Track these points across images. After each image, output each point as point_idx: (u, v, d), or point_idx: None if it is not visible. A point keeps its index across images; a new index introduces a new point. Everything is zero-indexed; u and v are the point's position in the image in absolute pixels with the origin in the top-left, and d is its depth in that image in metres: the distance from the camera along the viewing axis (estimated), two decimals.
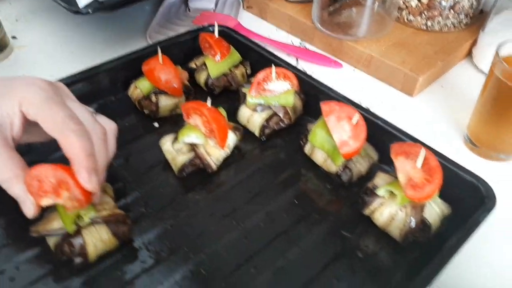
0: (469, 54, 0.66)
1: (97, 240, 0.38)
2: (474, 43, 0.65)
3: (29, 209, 0.36)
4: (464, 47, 0.64)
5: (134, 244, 0.41)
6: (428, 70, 0.59)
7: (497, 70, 0.45)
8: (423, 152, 0.40)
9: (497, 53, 0.45)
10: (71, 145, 0.35)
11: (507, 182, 0.50)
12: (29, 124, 0.37)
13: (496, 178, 0.48)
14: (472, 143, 0.52)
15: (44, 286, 0.37)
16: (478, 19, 0.66)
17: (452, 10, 0.63)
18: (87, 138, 0.36)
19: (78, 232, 0.38)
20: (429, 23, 0.65)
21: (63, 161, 0.36)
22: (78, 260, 0.38)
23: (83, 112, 0.39)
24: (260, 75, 0.51)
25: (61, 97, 0.39)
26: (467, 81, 0.63)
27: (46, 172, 0.35)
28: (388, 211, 0.41)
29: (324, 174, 0.49)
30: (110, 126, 0.42)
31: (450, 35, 0.65)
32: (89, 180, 0.35)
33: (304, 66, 0.66)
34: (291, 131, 0.53)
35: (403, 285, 0.38)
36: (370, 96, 0.60)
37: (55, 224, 0.38)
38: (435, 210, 0.41)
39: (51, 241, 0.38)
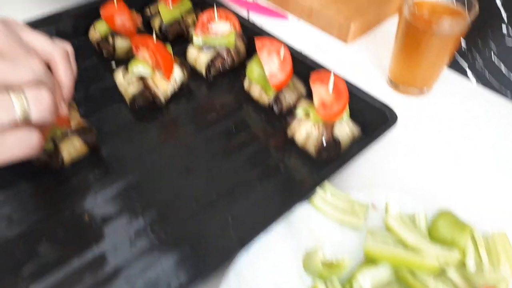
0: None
1: (70, 148, 0.46)
2: None
3: None
4: (395, 0, 0.71)
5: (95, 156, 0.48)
6: (360, 17, 0.65)
7: (405, 11, 0.52)
8: (332, 77, 0.47)
9: None
10: (65, 71, 0.39)
11: (418, 111, 0.57)
12: None
13: (411, 110, 0.56)
14: (392, 83, 0.60)
15: (26, 185, 0.45)
16: None
17: None
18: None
19: (54, 145, 0.45)
20: None
21: None
22: (56, 165, 0.45)
23: (41, 39, 0.40)
24: (204, 16, 0.57)
25: (17, 33, 0.40)
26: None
27: None
28: (305, 129, 0.48)
29: (260, 107, 0.56)
30: (68, 47, 0.44)
31: None
32: (60, 110, 0.39)
33: (254, 18, 0.72)
34: (235, 73, 0.60)
35: (310, 184, 0.46)
36: (310, 44, 0.67)
37: None
38: (345, 129, 0.49)
39: None
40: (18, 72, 0.32)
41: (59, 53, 0.40)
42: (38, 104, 0.32)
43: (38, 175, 0.46)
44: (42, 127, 0.35)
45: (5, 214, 0.42)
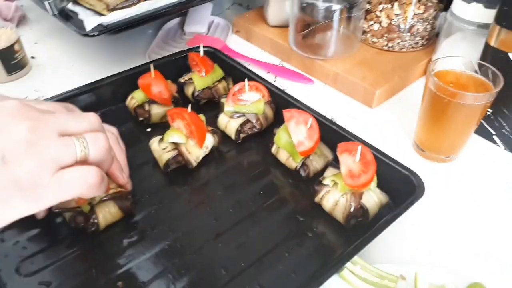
0: (425, 72, 0.75)
1: (106, 213, 0.48)
2: (429, 62, 0.74)
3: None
4: (420, 65, 0.73)
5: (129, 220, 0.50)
6: (385, 84, 0.68)
7: (430, 82, 0.54)
8: (359, 148, 0.48)
9: (429, 67, 0.54)
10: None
11: (445, 178, 0.58)
12: None
13: (438, 176, 0.56)
14: (419, 148, 0.61)
15: (65, 250, 0.47)
16: (435, 41, 0.75)
17: (409, 33, 0.73)
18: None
19: (91, 208, 0.48)
20: (390, 44, 0.74)
21: None
22: (91, 229, 0.48)
23: (96, 123, 0.44)
24: (235, 87, 0.61)
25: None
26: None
27: None
28: (333, 197, 0.49)
29: (287, 170, 0.57)
30: (114, 130, 0.53)
31: (408, 55, 0.74)
32: (121, 177, 0.47)
33: (281, 82, 0.76)
34: (263, 136, 0.62)
35: (339, 257, 0.46)
36: (335, 108, 0.69)
37: (73, 203, 0.47)
38: (372, 198, 0.49)
39: (67, 215, 0.48)
40: (78, 122, 0.36)
41: (110, 136, 0.48)
42: (96, 145, 0.36)
43: (76, 238, 0.48)
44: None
45: (44, 280, 0.44)
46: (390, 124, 0.67)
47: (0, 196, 0.31)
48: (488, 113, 0.60)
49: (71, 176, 0.34)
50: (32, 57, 0.82)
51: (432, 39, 0.76)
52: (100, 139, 0.36)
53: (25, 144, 0.31)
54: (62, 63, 0.81)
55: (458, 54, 0.58)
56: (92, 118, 0.38)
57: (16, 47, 0.75)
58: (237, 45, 0.85)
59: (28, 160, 0.31)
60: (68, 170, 0.34)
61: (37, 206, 0.33)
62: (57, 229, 0.49)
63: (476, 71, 0.55)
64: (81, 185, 0.35)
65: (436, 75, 0.54)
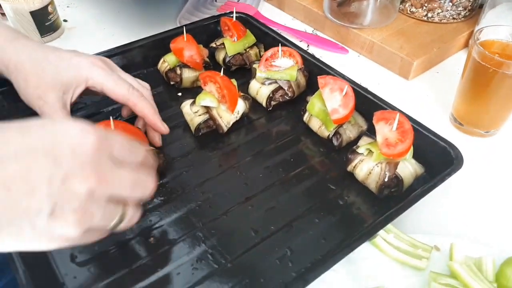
0: (467, 45, 0.72)
1: None
2: (471, 34, 0.70)
3: None
4: (461, 37, 0.70)
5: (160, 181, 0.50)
6: (423, 55, 0.65)
7: (474, 52, 0.51)
8: (397, 116, 0.47)
9: (473, 36, 0.52)
10: (143, 107, 0.49)
11: (484, 153, 0.56)
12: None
13: (476, 150, 0.54)
14: (457, 121, 0.58)
15: None
16: (478, 12, 0.71)
17: (450, 3, 0.69)
18: (148, 99, 0.51)
19: None
20: (429, 15, 0.71)
21: None
22: None
23: (131, 78, 0.53)
24: (268, 52, 0.60)
25: (115, 71, 0.52)
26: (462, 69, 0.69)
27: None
28: (367, 166, 0.48)
29: (319, 139, 0.56)
30: (148, 86, 0.56)
31: (448, 26, 0.71)
32: (163, 126, 0.51)
33: (314, 51, 0.74)
34: (295, 104, 0.61)
35: (372, 224, 0.45)
36: (370, 79, 0.67)
37: None
38: (408, 168, 0.48)
39: None
40: (136, 190, 0.32)
41: (145, 92, 0.53)
42: (129, 222, 0.33)
43: None
44: None
45: None
46: (427, 97, 0.64)
47: (27, 234, 0.28)
48: None
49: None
50: (65, 20, 0.82)
51: (475, 10, 0.73)
52: (136, 217, 0.34)
53: (77, 205, 0.28)
54: (94, 27, 0.81)
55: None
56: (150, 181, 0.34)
57: (50, 8, 0.75)
58: (269, 13, 0.83)
59: (71, 222, 0.28)
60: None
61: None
62: None
63: None
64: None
65: (482, 45, 0.52)
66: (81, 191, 0.27)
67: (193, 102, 0.56)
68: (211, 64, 0.65)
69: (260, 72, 0.59)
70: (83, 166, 0.28)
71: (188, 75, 0.62)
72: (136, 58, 0.66)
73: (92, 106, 0.60)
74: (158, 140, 0.53)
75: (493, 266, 0.39)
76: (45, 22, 0.75)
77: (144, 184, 0.32)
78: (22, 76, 0.48)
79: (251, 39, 0.67)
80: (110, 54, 0.63)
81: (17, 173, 0.26)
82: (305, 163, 0.54)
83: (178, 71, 0.62)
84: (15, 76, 0.49)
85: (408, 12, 0.73)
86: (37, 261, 0.41)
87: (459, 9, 0.70)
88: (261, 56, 0.68)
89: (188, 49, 0.61)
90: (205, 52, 0.65)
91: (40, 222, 0.27)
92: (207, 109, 0.55)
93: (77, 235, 0.29)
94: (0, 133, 0.27)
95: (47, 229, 0.27)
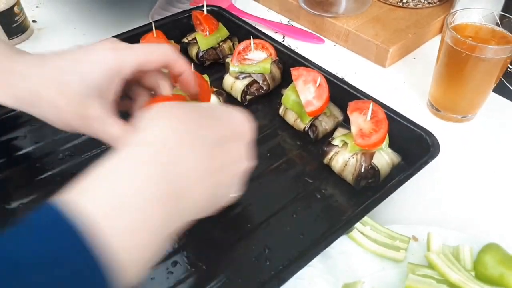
0: (442, 29, 0.71)
1: None
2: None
3: None
4: (436, 22, 0.69)
5: None
6: (398, 41, 0.64)
7: (447, 37, 0.51)
8: (371, 106, 0.46)
9: (446, 21, 0.51)
10: (183, 61, 0.42)
11: (462, 138, 0.55)
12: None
13: (453, 136, 0.54)
14: (434, 107, 0.58)
15: None
16: None
17: None
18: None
19: None
20: (404, 0, 0.70)
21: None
22: None
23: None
24: (241, 45, 0.58)
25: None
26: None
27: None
28: (342, 158, 0.47)
29: (296, 132, 0.55)
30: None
31: (423, 11, 0.70)
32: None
33: (290, 42, 0.72)
34: (270, 98, 0.60)
35: (348, 217, 0.44)
36: (347, 68, 0.66)
37: None
38: (384, 158, 0.47)
39: None
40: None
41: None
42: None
43: None
44: None
45: None
46: (404, 84, 0.64)
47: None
48: (509, 69, 0.57)
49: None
50: (34, 21, 0.80)
51: None
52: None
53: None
54: (64, 27, 0.79)
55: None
56: None
57: (16, 9, 0.72)
58: (243, 5, 0.81)
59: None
60: None
61: None
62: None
63: (497, 24, 0.51)
64: None
65: (454, 29, 0.51)
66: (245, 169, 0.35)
67: None
68: None
69: (233, 66, 0.58)
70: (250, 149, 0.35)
71: None
72: None
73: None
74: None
75: (470, 254, 0.39)
76: (12, 24, 0.72)
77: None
78: (45, 104, 0.39)
79: (224, 32, 0.65)
80: None
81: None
82: (282, 157, 0.53)
83: None
84: (36, 108, 0.39)
85: None
86: None
87: None
88: (235, 50, 0.66)
89: None
90: (176, 48, 0.63)
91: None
92: None
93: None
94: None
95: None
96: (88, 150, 0.52)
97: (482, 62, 0.49)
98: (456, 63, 0.51)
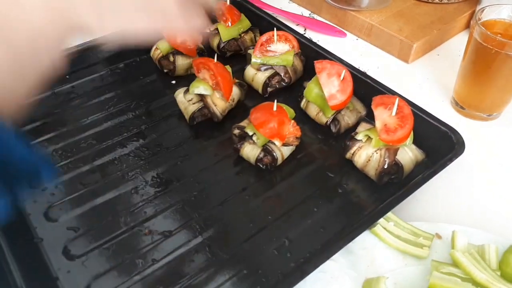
0: (468, 26, 0.70)
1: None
2: (472, 15, 0.68)
3: None
4: (462, 18, 0.68)
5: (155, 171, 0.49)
6: (423, 37, 0.63)
7: (475, 32, 0.50)
8: (397, 101, 0.45)
9: (475, 16, 0.50)
10: None
11: (486, 137, 0.54)
12: None
13: (478, 134, 0.53)
14: (458, 105, 0.57)
15: (90, 194, 0.46)
16: None
17: None
18: None
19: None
20: None
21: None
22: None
23: None
24: (263, 37, 0.58)
25: None
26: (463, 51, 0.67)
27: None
28: (365, 153, 0.47)
29: (317, 126, 0.55)
30: None
31: (449, 7, 0.69)
32: None
33: (311, 35, 0.72)
34: (292, 90, 0.60)
35: (372, 212, 0.44)
36: (369, 63, 0.65)
37: None
38: (408, 154, 0.47)
39: None
40: None
41: None
42: None
43: (104, 187, 0.47)
44: None
45: (72, 225, 0.44)
46: (427, 80, 0.63)
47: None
48: None
49: None
50: None
51: None
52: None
53: None
54: None
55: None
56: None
57: None
58: None
59: None
60: None
61: None
62: (83, 177, 0.49)
63: None
64: None
65: (483, 25, 0.50)
66: None
67: (187, 90, 0.54)
68: (206, 50, 0.64)
69: (255, 57, 0.58)
70: None
71: (181, 62, 0.61)
72: (128, 46, 0.64)
73: (84, 96, 0.59)
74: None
75: (496, 254, 0.39)
76: None
77: None
78: None
79: (246, 23, 0.65)
80: (102, 41, 0.61)
81: None
82: (303, 150, 0.52)
83: (171, 58, 0.60)
84: None
85: None
86: (29, 255, 0.41)
87: None
88: (256, 41, 0.66)
89: (180, 35, 0.59)
90: (199, 38, 0.63)
91: None
92: (201, 97, 0.54)
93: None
94: None
95: None
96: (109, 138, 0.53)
97: (510, 60, 0.48)
98: (484, 60, 0.50)
